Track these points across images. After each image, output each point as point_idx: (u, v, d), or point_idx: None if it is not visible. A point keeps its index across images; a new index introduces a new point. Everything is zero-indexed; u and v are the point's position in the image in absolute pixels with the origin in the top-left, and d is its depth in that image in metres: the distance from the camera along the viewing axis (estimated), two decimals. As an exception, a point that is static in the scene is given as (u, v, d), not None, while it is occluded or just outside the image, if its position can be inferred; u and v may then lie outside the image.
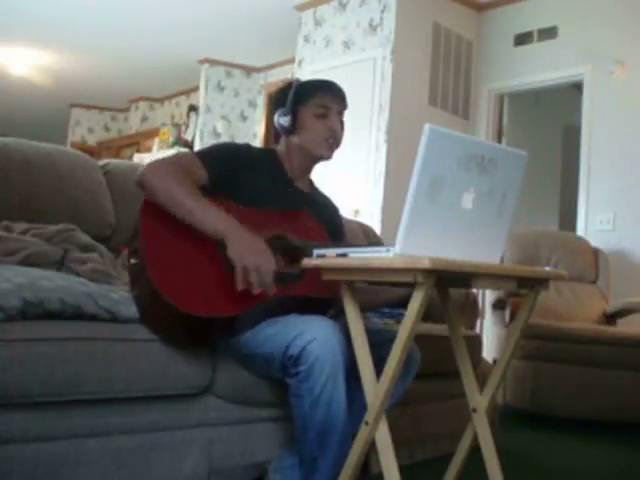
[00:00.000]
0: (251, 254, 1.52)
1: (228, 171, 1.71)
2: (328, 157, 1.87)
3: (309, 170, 1.93)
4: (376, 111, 4.66)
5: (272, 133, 1.94)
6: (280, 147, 1.90)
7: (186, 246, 1.60)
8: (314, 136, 1.82)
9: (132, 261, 1.64)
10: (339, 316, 1.66)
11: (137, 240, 1.60)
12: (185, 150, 6.37)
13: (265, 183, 1.77)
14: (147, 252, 1.56)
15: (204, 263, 1.60)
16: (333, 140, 1.84)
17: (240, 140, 6.74)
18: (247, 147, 1.87)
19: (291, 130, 1.83)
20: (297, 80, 1.90)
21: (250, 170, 1.76)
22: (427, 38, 4.86)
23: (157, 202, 1.60)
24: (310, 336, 1.47)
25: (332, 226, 1.92)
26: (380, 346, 1.54)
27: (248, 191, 1.71)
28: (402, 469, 1.40)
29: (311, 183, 1.99)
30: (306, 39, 5.29)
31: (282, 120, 1.83)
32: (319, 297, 1.70)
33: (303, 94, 1.83)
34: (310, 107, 1.83)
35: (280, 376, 1.58)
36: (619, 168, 4.34)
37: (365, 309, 1.76)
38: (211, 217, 1.57)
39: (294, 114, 1.82)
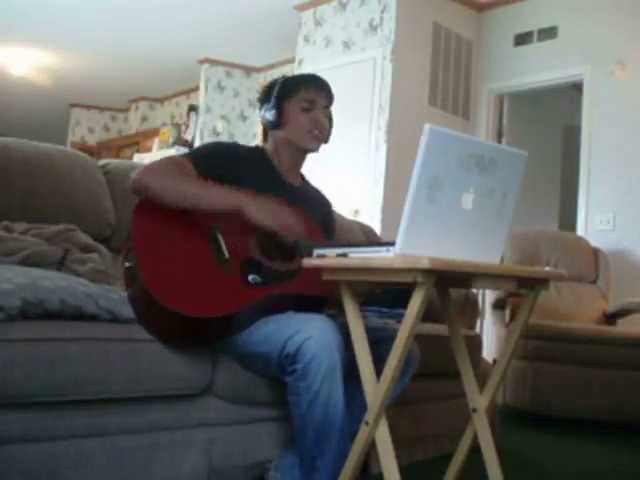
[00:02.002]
0: (273, 214, 1.63)
1: (216, 170, 1.72)
2: (314, 149, 1.88)
3: (299, 164, 1.94)
4: (376, 111, 4.66)
5: (262, 131, 1.96)
6: (268, 144, 1.91)
7: (179, 248, 1.61)
8: (298, 128, 1.84)
9: (126, 264, 1.64)
10: (337, 315, 1.66)
11: (130, 242, 1.61)
12: (185, 150, 6.38)
13: (255, 181, 1.77)
14: (139, 255, 1.56)
15: (197, 264, 1.61)
16: (318, 132, 1.85)
17: (240, 140, 6.74)
18: (235, 145, 1.89)
19: (277, 125, 1.85)
20: (283, 76, 1.92)
21: (239, 168, 1.77)
22: (427, 38, 4.86)
23: (160, 201, 1.61)
24: (306, 334, 1.47)
25: (324, 219, 1.94)
26: (379, 345, 1.55)
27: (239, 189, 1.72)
28: (402, 469, 1.40)
29: (302, 177, 2.00)
30: (306, 39, 5.29)
31: (268, 114, 1.85)
32: (314, 295, 1.70)
33: (288, 89, 1.85)
34: (295, 101, 1.84)
35: (278, 374, 1.58)
36: (619, 168, 4.34)
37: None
38: (220, 195, 1.63)
39: (279, 109, 1.83)
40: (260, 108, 1.90)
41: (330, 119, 1.92)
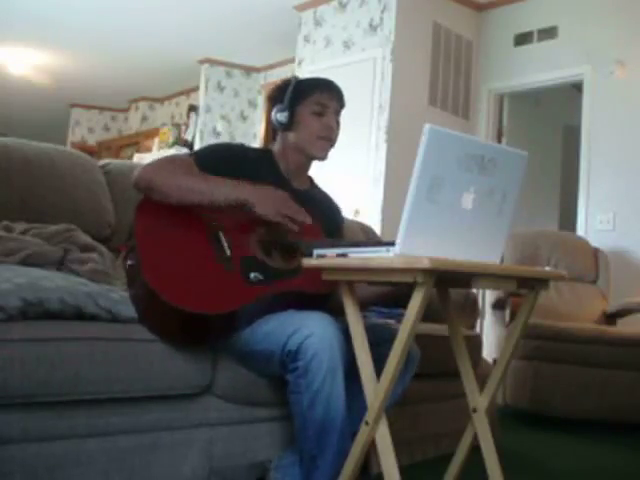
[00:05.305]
0: (275, 205, 1.63)
1: (219, 171, 1.72)
2: (321, 157, 1.88)
3: (306, 168, 1.93)
4: (376, 111, 4.66)
5: (270, 131, 1.95)
6: (276, 146, 1.91)
7: (181, 246, 1.62)
8: (309, 134, 1.83)
9: (129, 262, 1.64)
10: (338, 315, 1.66)
11: (132, 240, 1.61)
12: (185, 150, 6.38)
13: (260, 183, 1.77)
14: (142, 252, 1.57)
15: (199, 262, 1.61)
16: (328, 138, 1.85)
17: (240, 140, 6.74)
18: (241, 147, 1.88)
19: (288, 126, 1.84)
20: (295, 77, 1.91)
21: (244, 170, 1.76)
22: (427, 38, 4.86)
23: (163, 196, 1.62)
24: (308, 331, 1.47)
25: (331, 225, 1.93)
26: (379, 345, 1.55)
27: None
28: (402, 469, 1.40)
29: (311, 181, 2.00)
30: (306, 39, 5.29)
31: (279, 115, 1.84)
32: (315, 293, 1.70)
33: (301, 91, 1.84)
34: (308, 104, 1.84)
35: (279, 372, 1.58)
36: (619, 168, 4.34)
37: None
38: (224, 188, 1.63)
39: (292, 111, 1.83)
40: (271, 108, 1.88)
41: (338, 125, 1.91)
